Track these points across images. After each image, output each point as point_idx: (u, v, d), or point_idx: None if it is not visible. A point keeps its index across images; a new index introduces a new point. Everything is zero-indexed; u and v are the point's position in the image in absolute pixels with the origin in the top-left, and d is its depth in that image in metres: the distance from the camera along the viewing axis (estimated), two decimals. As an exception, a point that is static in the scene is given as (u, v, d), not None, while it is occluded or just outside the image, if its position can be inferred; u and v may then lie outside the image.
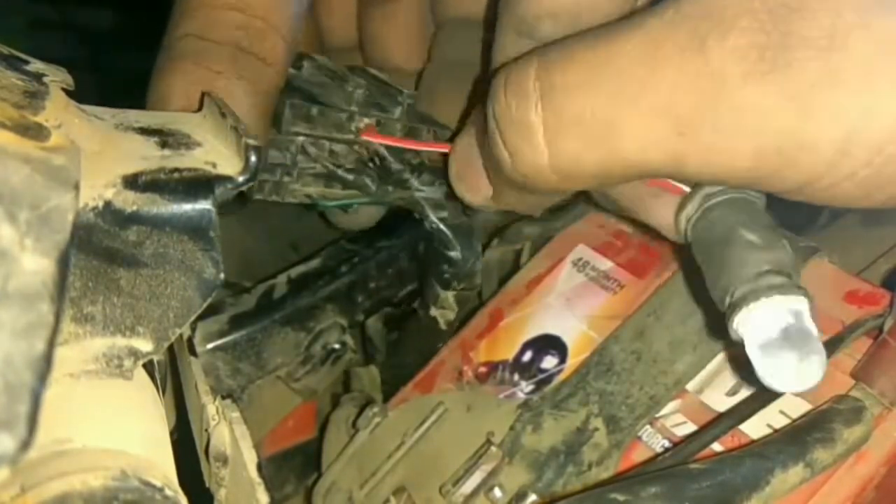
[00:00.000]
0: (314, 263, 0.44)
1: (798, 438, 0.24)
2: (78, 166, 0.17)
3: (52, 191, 0.16)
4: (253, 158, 0.23)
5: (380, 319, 0.45)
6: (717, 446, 0.27)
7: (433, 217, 0.35)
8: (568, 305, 0.36)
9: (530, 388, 0.34)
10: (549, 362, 0.34)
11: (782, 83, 0.20)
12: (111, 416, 0.20)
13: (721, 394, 0.29)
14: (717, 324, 0.30)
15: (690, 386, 0.30)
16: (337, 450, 0.38)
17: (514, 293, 0.38)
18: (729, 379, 0.29)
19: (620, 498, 0.23)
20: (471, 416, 0.34)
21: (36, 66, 0.24)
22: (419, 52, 0.40)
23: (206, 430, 0.26)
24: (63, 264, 0.15)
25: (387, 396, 0.40)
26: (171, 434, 0.22)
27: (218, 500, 0.26)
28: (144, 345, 0.22)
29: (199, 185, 0.22)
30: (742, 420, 0.27)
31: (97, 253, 0.21)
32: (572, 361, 0.33)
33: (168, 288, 0.22)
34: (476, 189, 0.31)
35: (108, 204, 0.21)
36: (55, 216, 0.16)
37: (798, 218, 0.40)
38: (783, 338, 0.22)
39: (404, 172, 0.35)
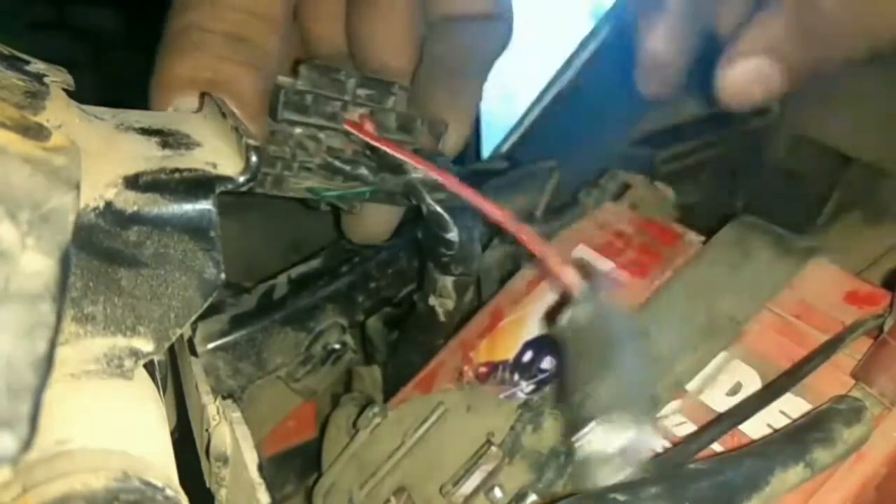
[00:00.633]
0: (314, 263, 0.44)
1: (798, 438, 0.24)
2: (79, 166, 0.17)
3: (52, 191, 0.16)
4: (254, 158, 0.23)
5: (380, 319, 0.45)
6: (717, 446, 0.27)
7: (429, 199, 0.35)
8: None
9: (530, 388, 0.34)
10: (550, 362, 0.34)
11: None
12: (112, 417, 0.20)
13: (721, 394, 0.29)
14: (717, 324, 0.30)
15: (690, 386, 0.30)
16: (337, 450, 0.38)
17: (514, 293, 0.38)
18: (729, 379, 0.29)
19: (620, 498, 0.23)
20: (471, 416, 0.34)
21: (36, 66, 0.24)
22: (411, 52, 0.40)
23: (207, 430, 0.26)
24: (64, 264, 0.15)
25: (387, 396, 0.40)
26: (172, 434, 0.22)
27: (218, 500, 0.26)
28: (145, 345, 0.22)
29: (199, 185, 0.22)
30: (742, 420, 0.27)
31: (98, 253, 0.21)
32: (572, 361, 0.33)
33: (169, 288, 0.22)
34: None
35: (108, 204, 0.21)
36: (56, 216, 0.16)
37: (798, 218, 0.40)
38: None
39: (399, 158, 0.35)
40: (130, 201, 0.21)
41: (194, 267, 0.22)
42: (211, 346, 0.38)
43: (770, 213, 0.33)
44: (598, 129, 0.54)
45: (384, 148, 0.34)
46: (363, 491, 0.35)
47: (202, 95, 0.29)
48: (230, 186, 0.23)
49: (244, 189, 0.23)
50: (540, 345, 0.35)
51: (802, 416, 0.26)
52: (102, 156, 0.22)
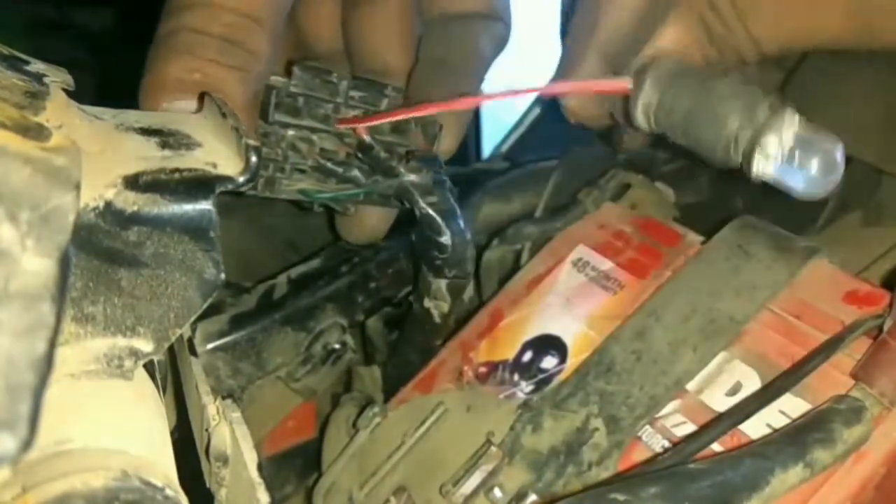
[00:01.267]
0: (314, 263, 0.44)
1: (798, 438, 0.24)
2: (79, 167, 0.17)
3: (52, 191, 0.16)
4: (253, 158, 0.23)
5: (380, 319, 0.45)
6: (717, 446, 0.27)
7: (422, 203, 0.35)
8: (568, 305, 0.36)
9: (530, 388, 0.34)
10: (549, 362, 0.34)
11: None
12: (112, 416, 0.20)
13: (721, 394, 0.29)
14: (717, 324, 0.30)
15: (690, 386, 0.30)
16: (337, 450, 0.38)
17: (514, 293, 0.38)
18: (729, 379, 0.29)
19: (620, 498, 0.23)
20: (471, 416, 0.34)
21: (36, 66, 0.24)
22: (407, 51, 0.40)
23: (207, 430, 0.26)
24: (64, 265, 0.15)
25: (387, 396, 0.40)
26: (172, 434, 0.22)
27: (218, 500, 0.26)
28: (145, 345, 0.22)
29: (199, 185, 0.22)
30: (742, 420, 0.27)
31: (98, 253, 0.21)
32: (572, 361, 0.33)
33: (169, 288, 0.22)
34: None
35: (108, 204, 0.21)
36: (56, 216, 0.16)
37: (798, 218, 0.40)
38: (801, 150, 0.24)
39: (391, 160, 0.35)
40: (130, 201, 0.21)
41: (194, 267, 0.22)
42: (211, 346, 0.38)
43: (770, 213, 0.33)
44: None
45: (386, 119, 0.34)
46: (363, 491, 0.35)
47: (201, 96, 0.29)
48: (230, 186, 0.23)
49: (242, 189, 0.23)
50: (540, 345, 0.35)
51: (802, 416, 0.26)
52: (102, 156, 0.22)
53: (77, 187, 0.17)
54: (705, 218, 0.36)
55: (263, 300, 0.41)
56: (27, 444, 0.14)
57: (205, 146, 0.24)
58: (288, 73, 0.34)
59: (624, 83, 0.28)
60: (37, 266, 0.15)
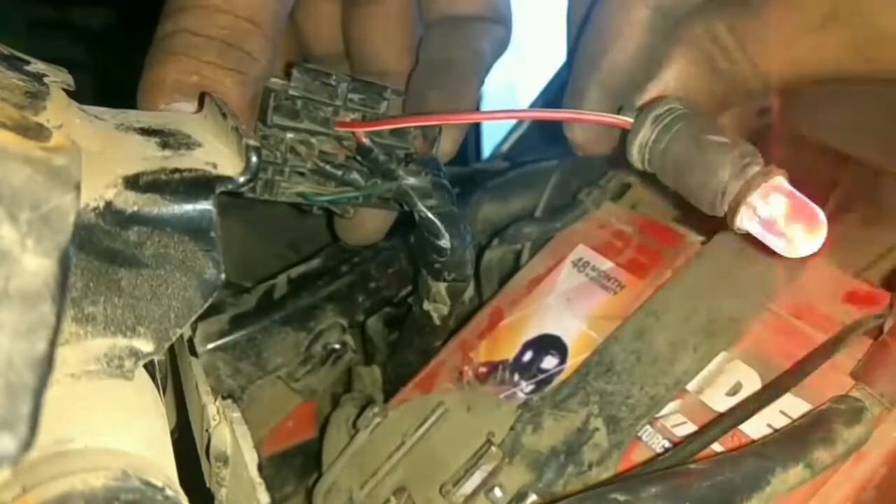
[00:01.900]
0: (314, 263, 0.44)
1: (798, 438, 0.24)
2: (79, 167, 0.17)
3: (52, 191, 0.16)
4: (254, 159, 0.23)
5: (380, 319, 0.45)
6: (717, 446, 0.27)
7: (421, 206, 0.35)
8: (568, 305, 0.36)
9: (530, 388, 0.34)
10: (550, 362, 0.34)
11: None
12: (112, 417, 0.20)
13: (721, 394, 0.29)
14: (717, 324, 0.30)
15: (690, 386, 0.30)
16: (337, 450, 0.38)
17: (514, 293, 0.38)
18: (729, 379, 0.29)
19: (620, 498, 0.23)
20: (471, 416, 0.34)
21: (36, 66, 0.24)
22: (407, 53, 0.39)
23: (207, 430, 0.26)
24: (64, 265, 0.15)
25: (387, 396, 0.40)
26: (172, 434, 0.22)
27: (218, 500, 0.26)
28: (145, 345, 0.22)
29: (199, 185, 0.22)
30: (742, 420, 0.27)
31: (98, 253, 0.21)
32: (572, 361, 0.33)
33: (169, 288, 0.22)
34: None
35: (108, 204, 0.21)
36: (56, 216, 0.16)
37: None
38: (785, 216, 0.25)
39: (391, 163, 0.35)
40: (130, 201, 0.21)
41: (194, 267, 0.22)
42: (211, 346, 0.38)
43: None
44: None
45: (383, 128, 0.34)
46: (363, 491, 0.35)
47: (201, 97, 0.29)
48: (230, 187, 0.23)
49: (241, 190, 0.23)
50: (540, 345, 0.35)
51: (802, 416, 0.26)
52: (102, 156, 0.22)
53: (77, 187, 0.17)
54: (705, 218, 0.36)
55: (263, 300, 0.41)
56: (27, 445, 0.14)
57: (205, 146, 0.24)
58: (287, 75, 0.34)
59: (626, 122, 0.28)
60: (37, 266, 0.15)
